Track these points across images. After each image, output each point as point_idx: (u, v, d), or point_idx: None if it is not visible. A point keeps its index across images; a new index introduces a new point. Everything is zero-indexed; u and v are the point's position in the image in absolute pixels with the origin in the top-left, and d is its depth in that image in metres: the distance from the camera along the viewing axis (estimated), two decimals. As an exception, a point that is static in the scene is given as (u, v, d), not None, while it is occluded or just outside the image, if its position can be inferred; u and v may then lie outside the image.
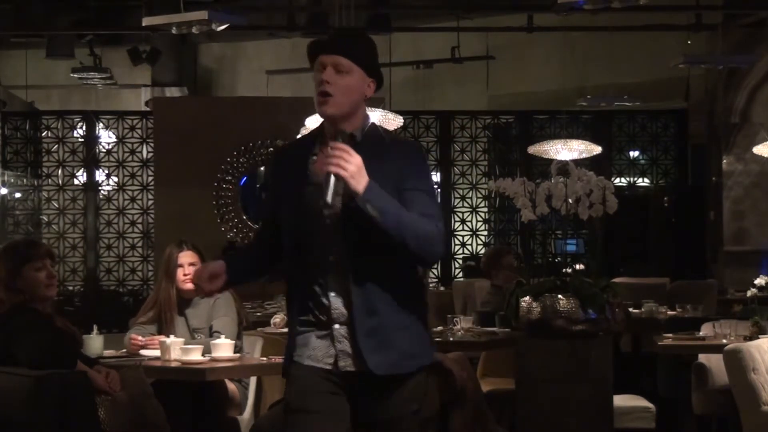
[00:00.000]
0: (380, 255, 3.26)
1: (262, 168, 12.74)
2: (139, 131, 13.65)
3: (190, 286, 5.83)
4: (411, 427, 3.37)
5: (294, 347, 3.36)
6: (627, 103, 12.11)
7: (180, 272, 5.84)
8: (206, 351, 5.43)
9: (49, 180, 13.66)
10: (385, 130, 3.46)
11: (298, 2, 13.26)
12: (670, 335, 7.10)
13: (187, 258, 5.85)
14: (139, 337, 5.75)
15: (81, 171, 13.75)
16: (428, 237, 3.23)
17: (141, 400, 4.91)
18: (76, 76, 13.68)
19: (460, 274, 13.43)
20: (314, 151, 3.33)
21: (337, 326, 3.29)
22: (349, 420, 3.35)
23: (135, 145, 13.65)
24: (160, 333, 5.79)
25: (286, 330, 3.63)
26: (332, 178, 3.17)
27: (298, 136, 3.54)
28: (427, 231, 3.23)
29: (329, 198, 3.18)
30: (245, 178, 12.77)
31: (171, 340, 5.45)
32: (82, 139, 13.77)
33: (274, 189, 3.44)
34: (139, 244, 13.64)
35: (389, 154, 3.30)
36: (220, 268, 3.43)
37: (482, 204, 13.92)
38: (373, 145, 3.31)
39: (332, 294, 3.29)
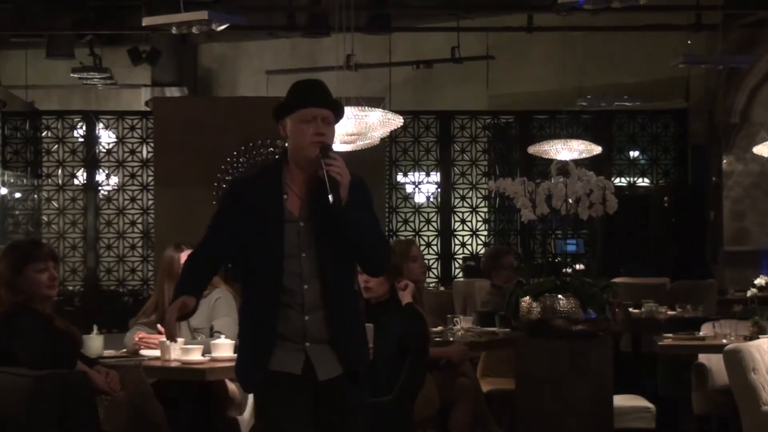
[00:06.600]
0: (346, 276, 3.72)
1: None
2: (139, 131, 13.65)
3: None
4: (368, 411, 3.76)
5: (260, 358, 3.64)
6: (627, 103, 12.10)
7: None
8: (206, 351, 5.43)
9: (49, 180, 13.65)
10: None
11: (298, 2, 13.24)
12: (670, 335, 7.10)
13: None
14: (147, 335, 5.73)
15: (81, 171, 13.74)
16: (386, 246, 3.83)
17: (141, 400, 4.91)
18: (76, 76, 13.65)
19: (460, 274, 13.42)
20: (284, 190, 3.70)
21: (308, 344, 3.64)
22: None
23: (135, 145, 13.65)
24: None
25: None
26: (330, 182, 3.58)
27: (253, 171, 3.98)
28: (384, 241, 3.81)
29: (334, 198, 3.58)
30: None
31: (171, 340, 5.45)
32: (82, 139, 13.77)
33: (239, 222, 3.75)
34: (139, 244, 13.63)
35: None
36: (190, 304, 3.72)
37: (482, 204, 13.91)
38: None
39: (306, 318, 3.64)
